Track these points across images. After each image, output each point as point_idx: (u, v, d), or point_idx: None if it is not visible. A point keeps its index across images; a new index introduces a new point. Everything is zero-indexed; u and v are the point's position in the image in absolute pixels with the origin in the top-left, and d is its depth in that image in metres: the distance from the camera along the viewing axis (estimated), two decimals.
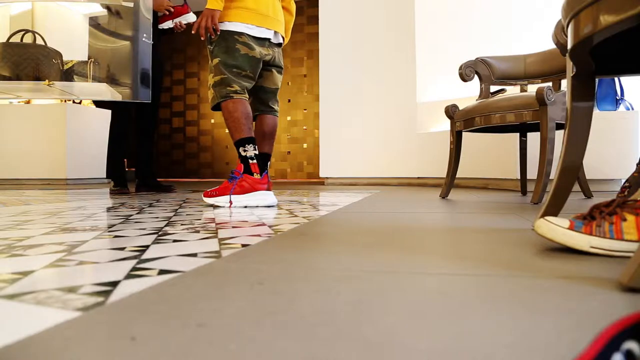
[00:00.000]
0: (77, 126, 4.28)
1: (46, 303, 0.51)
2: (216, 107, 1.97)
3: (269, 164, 2.15)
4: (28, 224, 1.25)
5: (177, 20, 2.91)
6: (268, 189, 1.88)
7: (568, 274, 0.64)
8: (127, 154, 3.01)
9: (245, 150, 1.87)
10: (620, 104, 2.88)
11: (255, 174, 1.85)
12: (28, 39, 3.15)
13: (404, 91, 4.21)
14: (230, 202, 1.83)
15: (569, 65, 1.04)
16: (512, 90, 2.34)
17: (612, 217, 0.76)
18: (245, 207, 1.81)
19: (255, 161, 1.87)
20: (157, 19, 2.92)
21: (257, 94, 2.11)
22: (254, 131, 2.02)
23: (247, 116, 1.90)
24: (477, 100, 2.31)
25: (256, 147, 1.90)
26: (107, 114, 4.80)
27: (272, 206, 1.85)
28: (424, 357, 0.36)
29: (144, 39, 2.82)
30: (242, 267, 0.71)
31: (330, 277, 0.63)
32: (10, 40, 3.12)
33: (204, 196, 1.89)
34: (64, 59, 3.19)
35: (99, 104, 3.71)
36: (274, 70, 2.11)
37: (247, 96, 1.97)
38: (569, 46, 0.92)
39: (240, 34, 1.92)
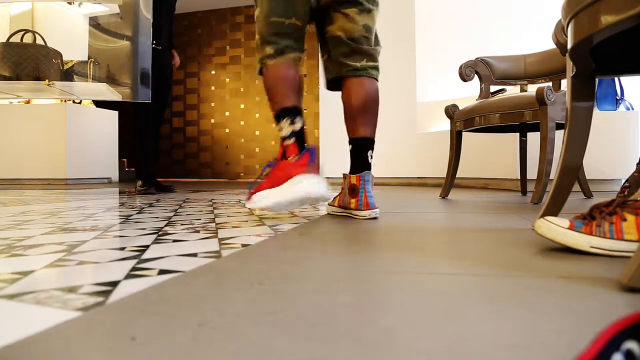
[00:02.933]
0: (77, 126, 4.29)
1: (46, 303, 0.51)
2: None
3: (370, 155, 1.43)
4: (28, 224, 1.25)
5: None
6: (311, 172, 1.31)
7: (568, 274, 0.64)
8: (152, 152, 2.91)
9: (281, 128, 1.38)
10: (620, 104, 2.88)
11: (290, 157, 1.32)
12: (28, 39, 3.16)
13: (404, 91, 4.21)
14: (252, 197, 1.33)
15: (569, 65, 1.04)
16: (512, 90, 2.34)
17: (612, 217, 0.76)
18: (275, 206, 1.28)
19: (292, 140, 1.34)
20: (160, 20, 2.89)
21: (328, 48, 1.50)
22: (345, 108, 1.49)
23: (284, 80, 1.39)
24: (477, 100, 2.31)
25: (296, 119, 1.37)
26: (107, 114, 4.83)
27: (318, 199, 1.33)
28: (424, 357, 0.36)
29: (153, 46, 2.81)
30: (242, 267, 0.71)
31: (330, 277, 0.63)
32: (10, 40, 3.12)
33: (246, 200, 1.40)
34: (64, 59, 3.19)
35: (100, 103, 3.69)
36: (349, 9, 1.42)
37: (290, 55, 1.41)
38: (569, 46, 0.92)
39: None
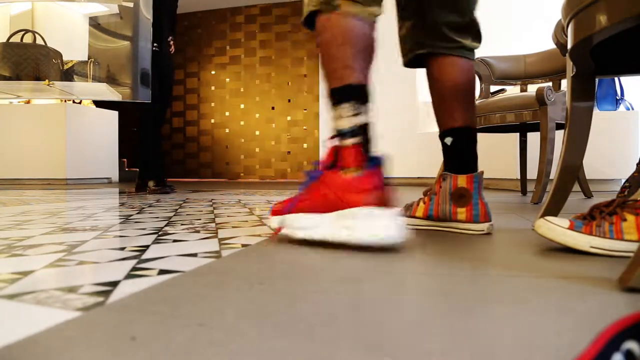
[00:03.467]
0: (77, 126, 4.29)
1: (46, 303, 0.51)
2: (309, 22, 0.99)
3: (478, 172, 1.06)
4: (28, 224, 1.25)
5: None
6: (381, 204, 0.82)
7: (568, 274, 0.64)
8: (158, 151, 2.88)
9: (338, 117, 0.89)
10: (620, 104, 2.88)
11: (348, 169, 0.85)
12: (28, 39, 3.16)
13: (404, 91, 4.21)
14: (277, 229, 0.93)
15: (569, 65, 1.04)
16: (512, 90, 2.34)
17: (612, 217, 0.76)
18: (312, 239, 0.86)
19: (356, 140, 0.86)
20: (161, 21, 2.88)
21: (422, 10, 1.09)
22: (433, 90, 1.17)
23: (358, 40, 0.90)
24: (477, 100, 2.31)
25: (363, 108, 0.88)
26: (107, 114, 4.83)
27: (389, 244, 0.81)
28: (424, 358, 0.36)
29: (154, 49, 2.80)
30: (242, 267, 0.71)
31: (330, 277, 0.63)
32: (10, 40, 3.12)
33: (271, 215, 0.98)
34: (64, 59, 3.19)
35: (100, 103, 3.69)
36: None
37: (370, 9, 0.92)
38: (569, 46, 0.92)
39: None
